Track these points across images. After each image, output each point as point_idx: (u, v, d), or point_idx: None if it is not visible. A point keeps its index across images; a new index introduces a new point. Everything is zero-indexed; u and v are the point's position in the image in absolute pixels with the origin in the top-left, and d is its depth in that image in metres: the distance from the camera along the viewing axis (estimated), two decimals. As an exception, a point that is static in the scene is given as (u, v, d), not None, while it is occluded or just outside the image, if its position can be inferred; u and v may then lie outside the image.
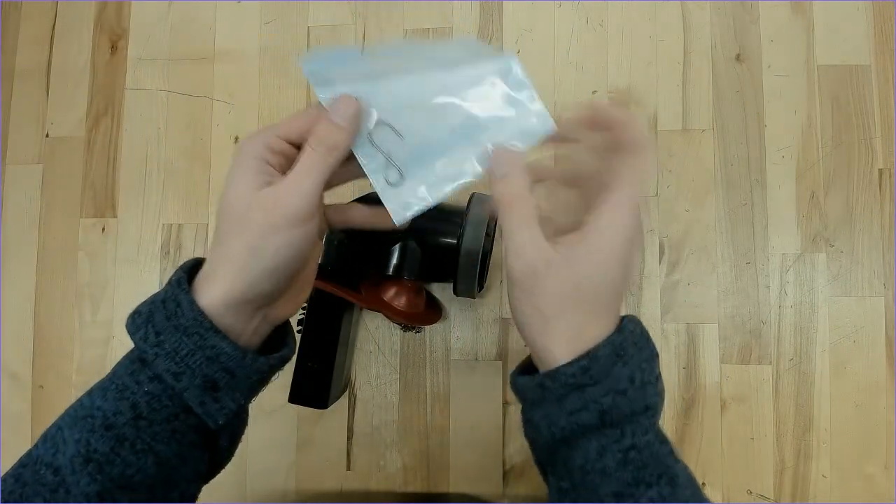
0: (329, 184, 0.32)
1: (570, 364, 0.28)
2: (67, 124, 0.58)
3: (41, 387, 0.57)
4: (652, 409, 0.29)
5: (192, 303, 0.30)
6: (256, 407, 0.54)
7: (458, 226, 0.44)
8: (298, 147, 0.32)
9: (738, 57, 0.53)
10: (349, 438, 0.53)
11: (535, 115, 0.32)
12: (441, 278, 0.46)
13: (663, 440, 0.29)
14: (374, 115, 0.32)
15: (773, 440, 0.50)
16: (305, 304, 0.47)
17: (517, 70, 0.32)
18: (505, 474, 0.52)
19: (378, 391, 0.54)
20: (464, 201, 0.44)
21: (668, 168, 0.53)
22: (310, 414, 0.54)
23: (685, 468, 0.29)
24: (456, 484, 0.52)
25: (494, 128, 0.32)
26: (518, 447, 0.52)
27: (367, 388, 0.54)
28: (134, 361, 0.31)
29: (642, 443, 0.28)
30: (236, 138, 0.56)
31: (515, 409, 0.52)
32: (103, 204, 0.57)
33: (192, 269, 0.32)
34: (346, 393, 0.54)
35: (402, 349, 0.53)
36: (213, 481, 0.57)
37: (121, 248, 0.57)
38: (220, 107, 0.57)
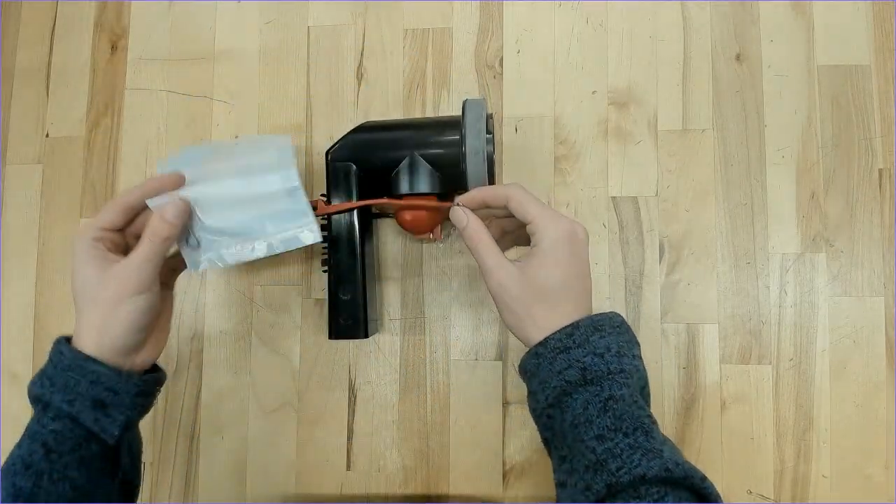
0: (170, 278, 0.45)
1: (557, 331, 0.36)
2: (67, 124, 0.58)
3: (41, 387, 0.57)
4: (627, 373, 0.35)
5: (71, 348, 0.39)
6: (256, 407, 0.54)
7: (457, 130, 0.45)
8: (120, 229, 0.42)
9: (738, 57, 0.53)
10: (349, 438, 0.53)
11: (307, 227, 0.44)
12: (453, 187, 0.47)
13: (641, 406, 0.35)
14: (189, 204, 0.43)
15: (773, 440, 0.50)
16: (326, 245, 0.48)
17: (300, 193, 0.44)
18: (505, 474, 0.52)
19: (378, 391, 0.54)
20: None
21: (668, 168, 0.53)
22: (310, 414, 0.54)
23: (661, 435, 0.34)
24: (456, 484, 0.52)
25: (273, 227, 0.44)
26: (518, 447, 0.52)
27: (367, 388, 0.54)
28: (38, 412, 0.39)
29: (618, 395, 0.34)
30: (236, 138, 0.56)
31: (515, 409, 0.52)
32: (103, 204, 0.57)
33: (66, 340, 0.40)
34: (347, 393, 0.54)
35: (402, 349, 0.53)
36: (212, 481, 0.57)
37: (121, 248, 0.57)
38: (220, 107, 0.57)
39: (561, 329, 0.36)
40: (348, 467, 0.53)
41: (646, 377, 0.37)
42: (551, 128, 0.54)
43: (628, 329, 0.38)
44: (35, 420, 0.39)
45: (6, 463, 0.38)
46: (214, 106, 0.57)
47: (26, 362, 0.57)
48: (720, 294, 0.52)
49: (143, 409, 0.42)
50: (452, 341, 0.53)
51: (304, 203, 0.44)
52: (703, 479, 0.32)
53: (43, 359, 0.57)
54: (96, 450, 0.39)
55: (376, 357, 0.54)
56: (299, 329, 0.54)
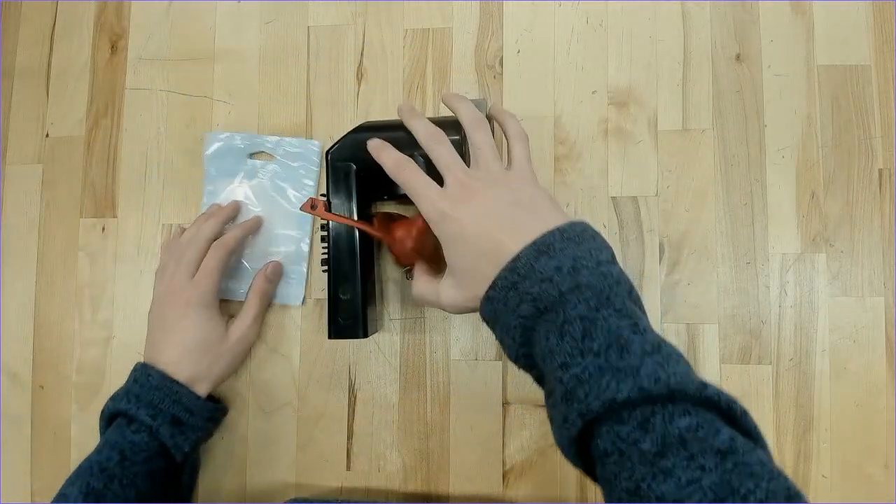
0: None
1: (501, 269, 0.34)
2: (67, 124, 0.58)
3: (41, 387, 0.57)
4: (586, 287, 0.31)
5: (159, 371, 0.45)
6: (256, 407, 0.54)
7: (457, 130, 0.45)
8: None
9: (738, 57, 0.53)
10: (349, 438, 0.53)
11: (298, 287, 0.55)
12: None
13: (623, 314, 0.31)
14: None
15: (773, 440, 0.50)
16: (325, 244, 0.48)
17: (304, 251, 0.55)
18: (505, 474, 0.52)
19: (378, 391, 0.54)
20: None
21: (668, 168, 0.53)
22: (310, 414, 0.54)
23: (650, 344, 0.30)
24: (456, 484, 0.52)
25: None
26: (518, 447, 0.52)
27: (367, 388, 0.54)
28: (120, 425, 0.44)
29: (573, 315, 0.31)
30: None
31: (515, 409, 0.52)
32: (103, 204, 0.57)
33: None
34: (347, 393, 0.54)
35: (402, 349, 0.53)
36: (212, 481, 0.57)
37: (121, 248, 0.57)
38: (220, 107, 0.57)
39: (504, 266, 0.34)
40: (348, 467, 0.53)
41: (624, 280, 0.33)
42: (551, 128, 0.54)
43: (591, 237, 0.35)
44: (116, 430, 0.44)
45: (83, 464, 0.42)
46: (214, 106, 0.57)
47: (26, 362, 0.57)
48: (720, 294, 0.52)
49: (208, 434, 0.49)
50: (452, 341, 0.53)
51: (303, 273, 0.54)
52: (702, 386, 0.28)
53: (43, 359, 0.57)
54: (163, 465, 0.44)
55: (376, 357, 0.54)
56: (299, 329, 0.54)
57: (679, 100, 0.53)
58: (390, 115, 0.55)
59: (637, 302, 0.34)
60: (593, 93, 0.54)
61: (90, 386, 0.56)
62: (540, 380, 0.36)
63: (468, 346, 0.53)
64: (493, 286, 0.34)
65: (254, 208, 0.55)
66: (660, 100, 0.53)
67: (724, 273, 0.52)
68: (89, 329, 0.56)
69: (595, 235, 0.35)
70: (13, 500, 0.56)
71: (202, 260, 0.49)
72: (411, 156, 0.46)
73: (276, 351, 0.54)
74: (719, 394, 0.28)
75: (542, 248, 0.33)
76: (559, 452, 0.51)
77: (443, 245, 0.38)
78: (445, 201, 0.37)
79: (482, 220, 0.36)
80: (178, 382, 0.45)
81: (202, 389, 0.47)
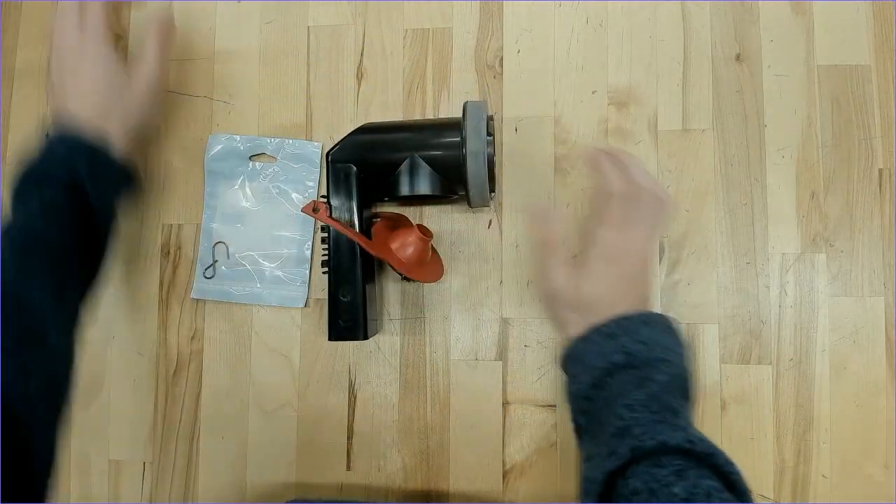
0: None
1: (609, 319, 0.38)
2: (67, 124, 0.58)
3: (41, 387, 0.57)
4: (671, 363, 0.37)
5: (69, 130, 0.44)
6: (256, 407, 0.54)
7: (458, 132, 0.45)
8: None
9: (738, 57, 0.53)
10: (349, 438, 0.53)
11: (301, 290, 0.54)
12: (453, 189, 0.47)
13: (678, 396, 0.36)
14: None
15: (773, 440, 0.50)
16: (326, 245, 0.48)
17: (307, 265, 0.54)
18: (505, 474, 0.52)
19: (378, 391, 0.54)
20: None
21: (668, 168, 0.53)
22: (310, 414, 0.54)
23: (691, 421, 0.35)
24: (456, 484, 0.52)
25: (277, 286, 0.55)
26: (518, 447, 0.52)
27: (367, 388, 0.54)
28: (38, 186, 0.43)
29: (657, 378, 0.35)
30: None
31: (515, 409, 0.52)
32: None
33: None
34: (347, 393, 0.54)
35: (402, 349, 0.53)
36: (212, 482, 0.57)
37: (121, 248, 0.56)
38: (220, 107, 0.57)
39: (612, 318, 0.38)
40: (348, 467, 0.53)
41: (690, 381, 0.38)
42: (551, 128, 0.54)
43: (678, 331, 0.40)
44: (32, 194, 0.43)
45: (6, 229, 0.41)
46: (214, 106, 0.57)
47: (26, 362, 0.57)
48: (720, 294, 0.52)
49: (125, 195, 0.48)
50: (452, 341, 0.53)
51: (306, 274, 0.54)
52: (729, 462, 0.33)
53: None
54: (80, 220, 0.43)
55: (376, 357, 0.54)
56: (299, 329, 0.54)
57: (679, 100, 0.53)
58: (390, 116, 0.55)
59: (690, 400, 0.38)
60: (593, 93, 0.54)
61: (90, 386, 0.56)
62: (582, 425, 0.39)
63: (468, 346, 0.53)
64: (596, 329, 0.39)
65: (256, 210, 0.55)
66: (660, 100, 0.53)
67: (724, 273, 0.52)
68: (89, 329, 0.56)
69: (682, 333, 0.40)
70: (13, 500, 0.56)
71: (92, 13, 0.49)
72: (411, 156, 0.46)
73: (276, 351, 0.54)
74: (740, 474, 0.33)
75: (646, 319, 0.39)
76: (559, 452, 0.51)
77: (592, 266, 0.40)
78: (623, 241, 0.40)
79: (627, 275, 0.40)
80: (87, 138, 0.44)
81: (115, 142, 0.46)
